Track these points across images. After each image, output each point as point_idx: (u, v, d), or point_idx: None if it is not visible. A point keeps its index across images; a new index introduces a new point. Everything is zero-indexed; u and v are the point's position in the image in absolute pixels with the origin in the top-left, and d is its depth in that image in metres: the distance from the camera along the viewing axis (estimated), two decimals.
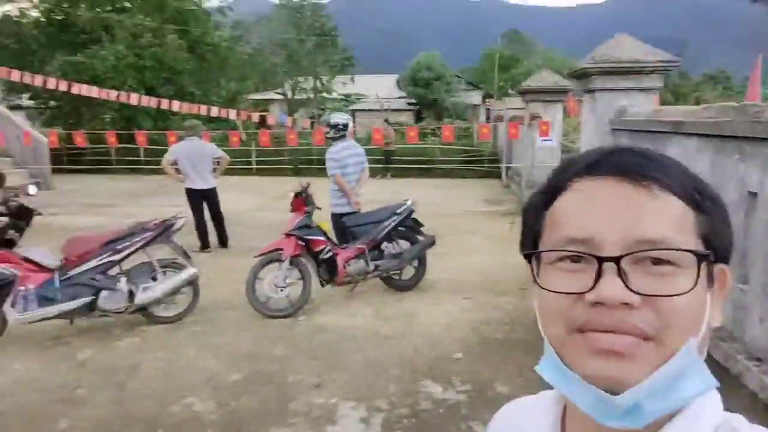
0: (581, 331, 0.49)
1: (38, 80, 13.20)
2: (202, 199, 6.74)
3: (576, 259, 0.50)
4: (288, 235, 4.71)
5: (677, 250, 0.48)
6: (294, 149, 14.30)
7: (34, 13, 18.39)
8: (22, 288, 3.97)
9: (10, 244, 4.12)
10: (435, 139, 16.66)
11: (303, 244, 4.74)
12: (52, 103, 18.30)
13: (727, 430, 0.50)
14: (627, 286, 0.47)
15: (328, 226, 5.09)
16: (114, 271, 4.30)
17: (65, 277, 4.12)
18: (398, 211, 5.14)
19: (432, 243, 5.32)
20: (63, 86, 13.11)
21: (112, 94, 13.15)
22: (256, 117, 14.46)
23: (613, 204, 0.49)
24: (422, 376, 3.60)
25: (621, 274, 0.47)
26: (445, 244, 6.15)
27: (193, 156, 6.60)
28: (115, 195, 11.80)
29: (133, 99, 13.15)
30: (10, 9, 18.07)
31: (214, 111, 13.33)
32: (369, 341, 4.16)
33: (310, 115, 22.06)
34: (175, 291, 4.49)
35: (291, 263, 4.66)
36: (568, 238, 0.51)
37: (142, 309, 4.37)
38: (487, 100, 29.18)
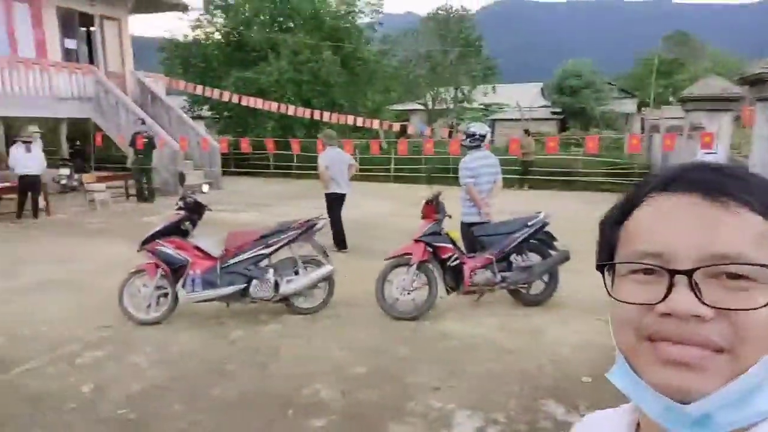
0: (651, 339, 0.50)
1: (216, 94, 15.27)
2: (342, 203, 7.24)
3: (649, 271, 0.51)
4: (417, 240, 4.86)
5: (752, 264, 0.47)
6: (430, 158, 14.58)
7: (217, 36, 21.25)
8: (192, 272, 4.66)
9: (185, 234, 4.86)
10: (578, 150, 15.77)
11: (431, 250, 4.85)
12: (226, 113, 20.90)
13: None
14: (699, 299, 0.47)
15: (456, 235, 5.15)
16: (264, 264, 4.84)
17: (225, 265, 4.74)
18: (530, 223, 5.02)
19: (565, 258, 5.09)
20: (234, 99, 14.99)
21: (274, 106, 14.71)
22: (396, 127, 15.04)
23: (687, 219, 0.50)
24: (544, 395, 3.49)
25: (693, 286, 0.47)
26: (581, 260, 5.75)
27: (339, 163, 7.17)
28: (270, 196, 13.11)
29: (291, 110, 14.57)
30: (199, 33, 21.13)
31: (359, 121, 14.21)
32: (491, 353, 4.13)
33: (449, 125, 22.28)
34: (314, 285, 4.91)
35: (418, 268, 4.81)
36: (642, 252, 0.51)
37: (285, 299, 4.85)
38: (642, 108, 26.77)
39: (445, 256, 4.86)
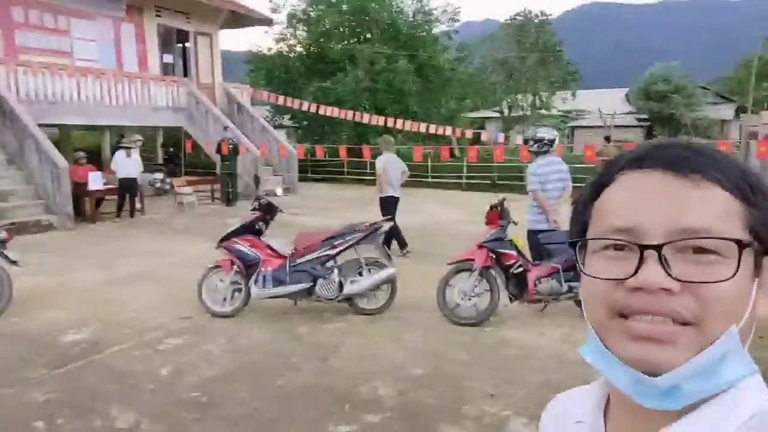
0: (622, 315, 0.51)
1: (296, 104, 15.99)
2: (396, 206, 7.51)
3: (619, 247, 0.52)
4: (480, 246, 4.84)
5: (717, 238, 0.48)
6: (501, 165, 14.35)
7: (299, 48, 22.25)
8: (263, 269, 4.94)
9: (259, 233, 5.16)
10: None
11: (494, 256, 4.82)
12: (305, 122, 21.77)
13: (765, 419, 0.49)
14: (667, 273, 0.48)
15: (522, 242, 5.07)
16: (329, 264, 5.03)
17: (293, 264, 4.98)
18: None
19: None
20: (313, 108, 15.62)
21: (349, 114, 15.18)
22: (469, 134, 14.95)
23: (656, 195, 0.51)
24: None
25: (662, 261, 0.48)
26: None
27: (394, 168, 7.44)
28: (342, 201, 13.48)
29: (366, 118, 14.97)
30: (282, 46, 22.23)
31: (433, 128, 14.30)
32: (552, 363, 4.03)
33: (524, 132, 21.79)
34: (376, 287, 5.03)
35: (480, 274, 4.78)
36: (612, 228, 0.52)
37: (348, 299, 5.00)
38: (741, 114, 24.71)
39: (508, 263, 4.80)
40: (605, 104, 26.50)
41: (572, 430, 0.61)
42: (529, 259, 5.02)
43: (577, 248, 0.57)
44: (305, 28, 21.50)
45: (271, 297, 4.98)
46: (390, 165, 7.42)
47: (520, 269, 4.79)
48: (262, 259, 4.97)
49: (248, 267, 4.96)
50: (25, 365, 4.02)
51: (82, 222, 10.22)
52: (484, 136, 14.54)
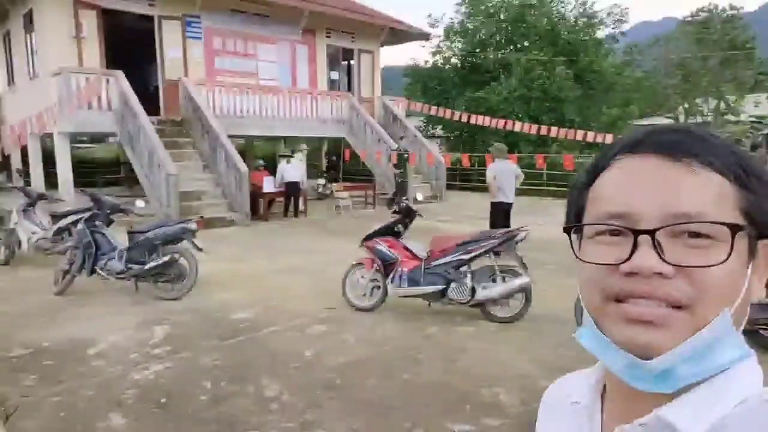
0: (617, 300, 0.51)
1: (447, 114, 16.33)
2: (508, 212, 7.73)
3: (614, 232, 0.52)
4: None
5: (711, 222, 0.49)
6: None
7: (454, 60, 22.65)
8: (400, 269, 5.22)
9: (398, 235, 5.47)
10: None
11: None
12: (456, 132, 22.04)
13: (757, 402, 0.50)
14: (661, 257, 0.49)
15: None
16: (463, 269, 5.12)
17: (428, 266, 5.17)
18: None
19: None
20: (464, 118, 15.79)
21: (501, 123, 15.02)
22: None
23: (651, 180, 0.51)
24: None
25: (656, 246, 0.49)
26: None
27: (506, 174, 7.66)
28: (486, 209, 13.34)
29: (518, 126, 14.67)
30: (438, 58, 22.85)
31: (590, 136, 13.46)
32: None
33: None
34: (509, 295, 4.99)
35: None
36: (607, 213, 0.53)
37: (481, 305, 5.04)
38: None
39: None
40: None
41: (569, 411, 0.63)
42: None
43: (572, 234, 0.58)
44: (461, 40, 21.80)
45: (406, 296, 5.24)
46: (502, 172, 7.69)
47: None
48: (400, 259, 5.25)
49: (387, 266, 5.28)
50: (201, 335, 4.82)
51: (257, 220, 11.70)
52: None
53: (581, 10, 20.10)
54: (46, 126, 10.16)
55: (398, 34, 18.05)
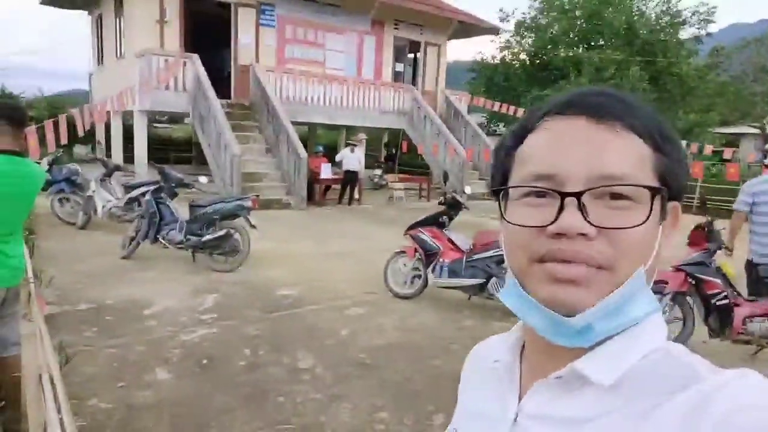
0: (542, 261, 0.52)
1: (511, 110, 16.00)
2: None
3: (541, 194, 0.53)
4: (677, 268, 4.32)
5: (634, 185, 0.51)
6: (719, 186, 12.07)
7: (522, 56, 22.08)
8: (441, 260, 5.25)
9: (442, 225, 5.49)
10: None
11: (693, 282, 4.25)
12: None
13: (661, 354, 0.52)
14: (586, 219, 0.50)
15: (733, 272, 4.35)
16: (505, 264, 5.06)
17: (470, 259, 5.17)
18: None
19: None
20: None
21: None
22: (708, 150, 12.92)
23: (577, 141, 0.52)
24: None
25: (581, 207, 0.50)
26: None
27: None
28: None
29: None
30: (506, 54, 22.35)
31: None
32: None
33: None
34: None
35: (673, 299, 4.27)
36: (534, 175, 0.54)
37: None
38: None
39: (710, 292, 4.18)
40: None
41: (490, 369, 0.65)
42: (740, 292, 4.29)
43: (499, 197, 0.58)
44: (532, 36, 21.20)
45: (445, 287, 5.26)
46: None
47: (725, 301, 4.13)
48: (442, 250, 5.28)
49: (428, 256, 5.32)
50: (247, 306, 5.08)
51: (312, 204, 12.03)
52: (727, 153, 12.34)
53: (664, 8, 18.99)
54: (126, 104, 10.90)
55: (467, 27, 17.83)
